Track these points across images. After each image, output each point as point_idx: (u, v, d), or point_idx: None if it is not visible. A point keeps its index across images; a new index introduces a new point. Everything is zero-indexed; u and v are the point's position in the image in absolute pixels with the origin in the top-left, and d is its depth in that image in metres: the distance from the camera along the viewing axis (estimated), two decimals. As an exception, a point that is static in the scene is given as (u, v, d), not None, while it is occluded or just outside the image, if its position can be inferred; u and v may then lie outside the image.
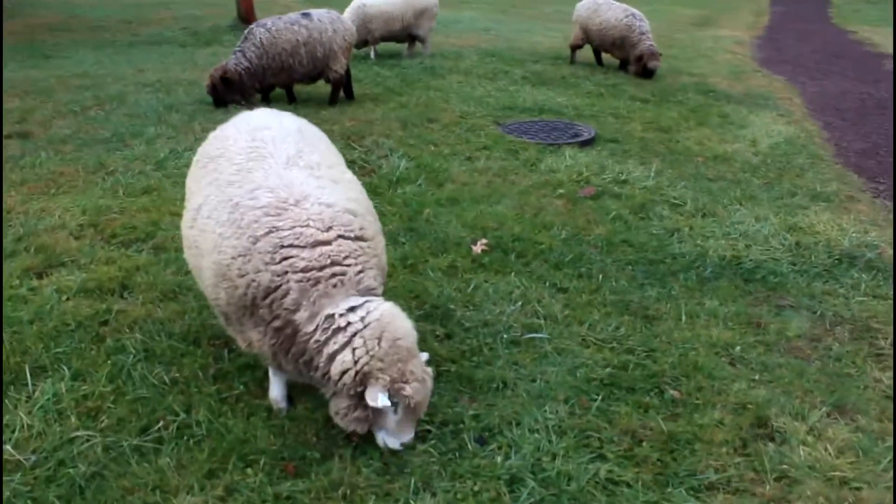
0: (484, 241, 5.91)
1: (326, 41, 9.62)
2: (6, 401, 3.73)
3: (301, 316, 3.29)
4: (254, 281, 3.32)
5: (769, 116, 10.89)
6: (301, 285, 3.28)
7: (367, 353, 3.23)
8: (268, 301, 3.32)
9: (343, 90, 10.08)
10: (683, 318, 4.97)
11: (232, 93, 9.36)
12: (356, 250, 3.43)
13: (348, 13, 12.41)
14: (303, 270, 3.29)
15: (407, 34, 13.39)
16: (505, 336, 4.60)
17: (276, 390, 3.84)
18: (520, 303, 5.00)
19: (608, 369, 4.32)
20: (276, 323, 3.34)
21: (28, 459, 3.34)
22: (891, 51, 18.25)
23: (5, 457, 3.35)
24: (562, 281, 5.40)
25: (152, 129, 7.96)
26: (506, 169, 7.89)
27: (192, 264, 3.80)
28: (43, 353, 4.09)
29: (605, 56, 13.74)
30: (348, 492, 3.28)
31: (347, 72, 9.99)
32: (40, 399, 3.71)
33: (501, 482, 3.40)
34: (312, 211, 3.43)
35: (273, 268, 3.29)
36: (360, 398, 3.28)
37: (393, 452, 3.51)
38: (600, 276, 5.50)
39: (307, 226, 3.38)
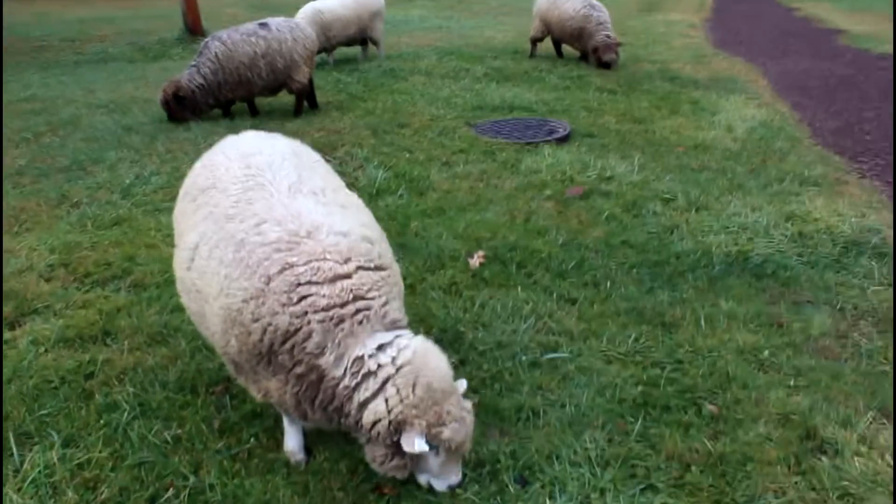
0: (481, 253, 5.62)
1: (287, 51, 9.22)
2: (-9, 478, 3.33)
3: (327, 360, 2.95)
4: (270, 325, 2.96)
5: (739, 100, 10.79)
6: (324, 325, 2.93)
7: (401, 401, 2.90)
8: (288, 346, 2.96)
9: (306, 99, 9.69)
10: (703, 323, 4.74)
11: (184, 109, 8.93)
12: (378, 281, 3.09)
13: (303, 21, 11.98)
14: (324, 309, 2.94)
15: (362, 37, 13.03)
16: (523, 358, 4.32)
17: (292, 441, 3.51)
18: (531, 319, 4.73)
19: (639, 387, 4.07)
20: (299, 369, 2.98)
21: (25, 548, 2.96)
22: (839, 26, 18.43)
23: (-1, 548, 2.97)
24: (569, 291, 5.14)
25: (112, 153, 7.49)
26: (486, 172, 7.61)
27: (192, 309, 3.42)
28: (26, 417, 3.69)
29: (564, 47, 13.54)
30: (392, 555, 2.97)
31: (310, 80, 9.61)
32: (30, 472, 3.31)
33: (553, 528, 3.12)
34: (328, 242, 3.08)
35: (291, 309, 2.94)
36: (396, 446, 2.96)
37: (427, 502, 3.20)
38: (608, 283, 5.26)
39: (324, 259, 3.02)
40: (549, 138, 8.74)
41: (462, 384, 3.15)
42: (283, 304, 2.94)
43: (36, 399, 3.83)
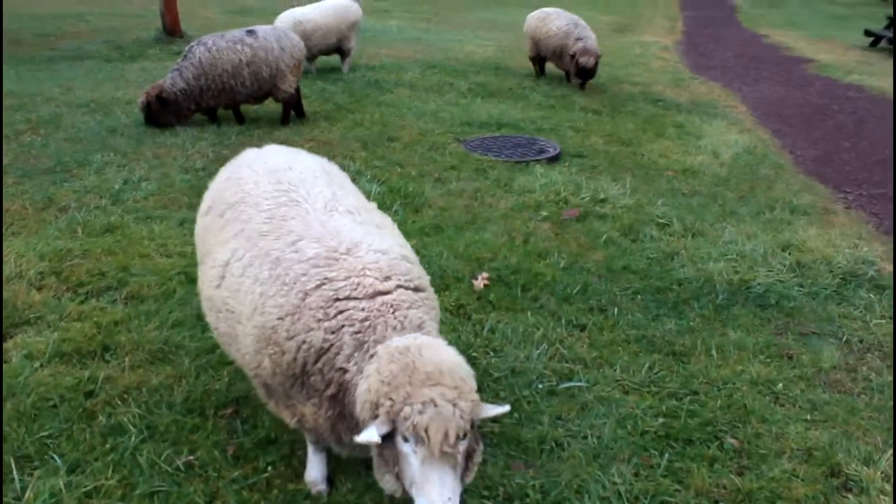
0: (485, 275, 5.53)
1: (273, 60, 9.04)
2: (-7, 505, 3.12)
3: (352, 371, 2.76)
4: (304, 342, 2.81)
5: (722, 125, 10.89)
6: (356, 338, 2.77)
7: (379, 378, 2.60)
8: (320, 364, 2.81)
9: (293, 108, 9.51)
10: (714, 353, 4.71)
11: (167, 114, 8.71)
12: (417, 301, 2.95)
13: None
14: (361, 321, 2.79)
15: (339, 47, 12.84)
16: (540, 386, 4.23)
17: (315, 471, 3.36)
18: (544, 345, 4.64)
19: (659, 419, 4.00)
20: (331, 390, 2.82)
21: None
22: (807, 55, 18.79)
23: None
24: (577, 317, 5.07)
25: (98, 155, 7.24)
26: (480, 190, 7.52)
27: (220, 330, 3.26)
28: (26, 439, 3.48)
29: (547, 66, 13.56)
30: None
31: (297, 90, 9.44)
32: (35, 501, 3.11)
33: (590, 568, 3.03)
34: (368, 259, 2.96)
35: (326, 324, 2.80)
36: (379, 447, 2.67)
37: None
38: (615, 310, 5.20)
39: (364, 275, 2.89)
40: (539, 157, 8.69)
41: (504, 408, 2.77)
42: (319, 320, 2.80)
43: (35, 419, 3.62)
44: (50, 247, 5.27)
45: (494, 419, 3.90)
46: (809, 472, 3.68)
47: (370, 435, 2.49)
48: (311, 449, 3.35)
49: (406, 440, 2.51)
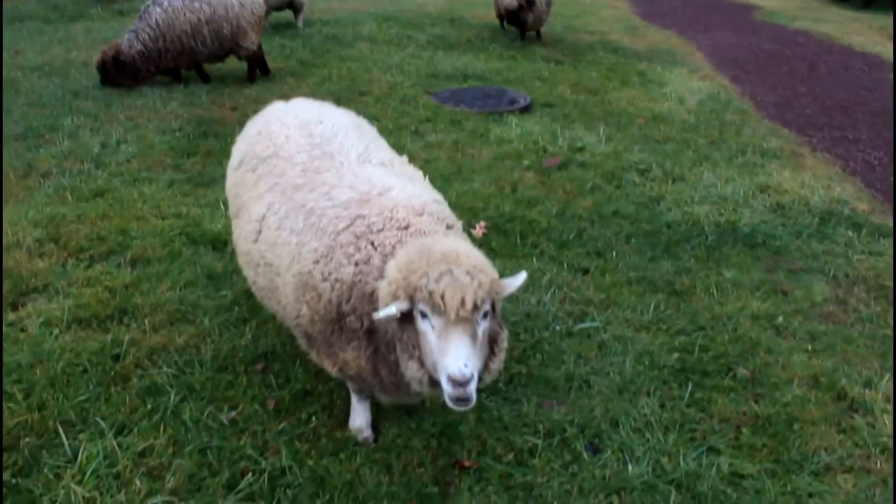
0: (483, 223, 5.61)
1: (233, 17, 8.84)
2: (45, 470, 3.11)
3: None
4: (337, 281, 2.83)
5: (683, 73, 11.08)
6: (385, 259, 2.76)
7: (397, 267, 2.59)
8: (353, 301, 2.82)
9: (258, 66, 9.34)
10: (714, 291, 4.89)
11: (124, 76, 8.48)
12: (448, 235, 2.94)
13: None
14: (393, 245, 2.80)
15: (290, 1, 12.58)
16: (557, 328, 4.36)
17: (360, 419, 3.42)
18: (552, 289, 4.76)
19: (674, 354, 4.17)
20: (366, 325, 2.82)
21: (110, 542, 2.79)
22: (752, 1, 19.13)
23: (82, 542, 2.79)
24: (578, 261, 5.20)
25: (68, 119, 7.04)
26: (459, 142, 7.57)
27: (259, 284, 3.28)
28: (65, 404, 3.45)
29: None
30: (491, 529, 2.95)
31: (259, 46, 9.26)
32: (89, 463, 3.11)
33: (636, 493, 3.18)
34: (400, 198, 2.98)
35: (357, 257, 2.82)
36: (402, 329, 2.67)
37: (508, 476, 3.20)
38: (613, 254, 5.34)
39: (396, 211, 2.91)
40: (511, 108, 8.75)
41: (521, 276, 2.80)
42: (349, 255, 2.83)
43: (68, 384, 3.60)
44: (42, 213, 5.15)
45: (519, 360, 4.03)
46: (819, 396, 3.89)
47: (388, 310, 2.51)
48: (354, 398, 3.41)
49: (424, 316, 2.52)
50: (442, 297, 2.46)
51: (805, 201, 6.36)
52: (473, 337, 2.50)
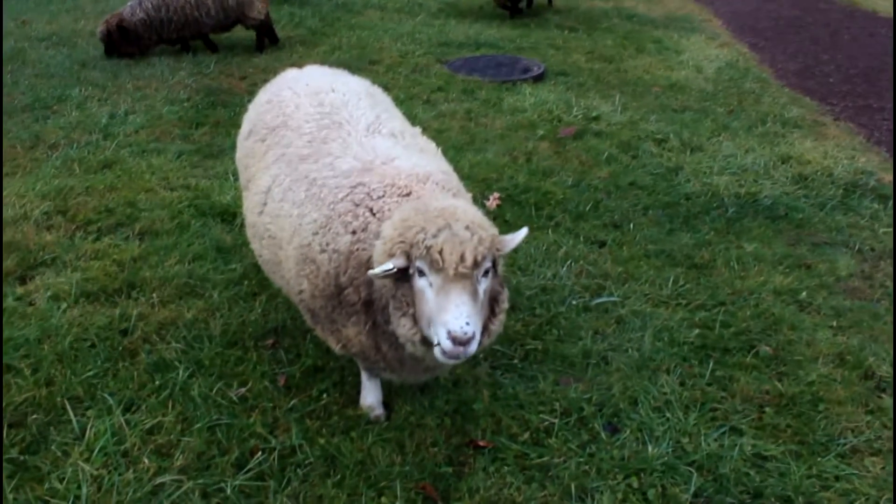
0: (496, 195, 5.49)
1: (237, -12, 8.66)
2: (53, 447, 3.05)
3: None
4: (335, 252, 2.73)
5: (700, 40, 10.84)
6: (382, 223, 2.64)
7: (393, 226, 2.51)
8: (351, 272, 2.71)
9: (266, 35, 9.19)
10: (735, 265, 4.76)
11: (128, 44, 8.35)
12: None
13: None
14: (389, 211, 2.69)
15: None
16: (574, 302, 4.25)
17: (371, 397, 3.34)
18: (569, 262, 4.65)
19: (694, 330, 4.06)
20: (363, 296, 2.72)
21: (117, 522, 2.73)
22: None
23: (88, 523, 2.73)
24: (594, 234, 5.09)
25: (76, 90, 6.94)
26: (472, 111, 7.43)
27: (264, 257, 3.20)
28: (72, 380, 3.39)
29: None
30: (508, 510, 2.87)
31: (267, 15, 9.09)
32: (97, 441, 3.05)
33: (655, 474, 3.09)
34: (405, 167, 2.87)
35: (355, 224, 2.72)
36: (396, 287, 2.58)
37: (523, 455, 3.12)
38: (630, 226, 5.22)
39: (399, 178, 2.80)
40: (525, 76, 8.58)
41: (522, 231, 2.67)
42: (347, 223, 2.74)
43: (76, 360, 3.53)
44: (49, 185, 5.07)
45: (534, 336, 3.93)
46: (845, 375, 3.78)
47: (384, 266, 2.43)
48: (364, 375, 3.32)
49: (422, 273, 2.44)
50: (440, 252, 2.37)
51: (828, 172, 6.19)
52: (474, 295, 2.41)
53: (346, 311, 2.81)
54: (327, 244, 2.76)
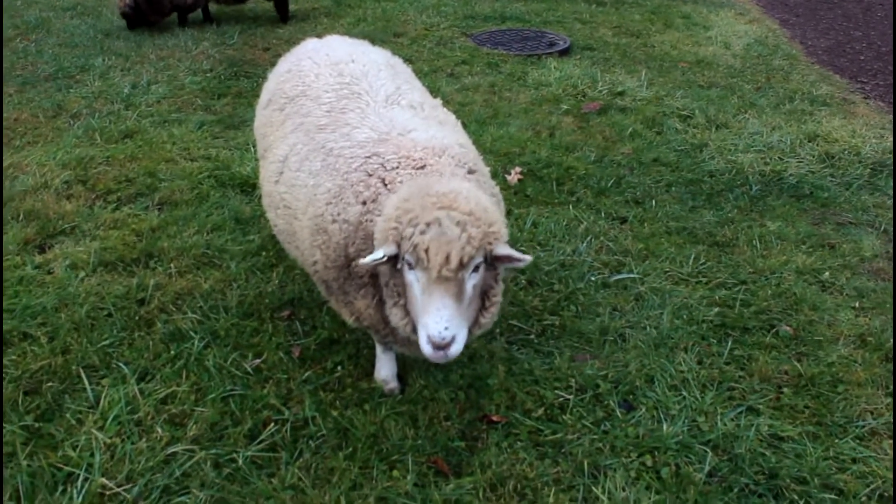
0: (518, 169, 5.44)
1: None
2: (67, 415, 3.07)
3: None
4: (345, 222, 2.71)
5: (729, 16, 10.62)
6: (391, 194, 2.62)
7: (395, 204, 2.49)
8: (358, 243, 2.70)
9: (280, 6, 9.09)
10: (757, 243, 4.68)
11: (156, 13, 8.29)
12: (469, 180, 2.77)
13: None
14: (400, 183, 2.66)
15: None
16: (593, 279, 4.21)
17: (385, 370, 3.33)
18: (589, 238, 4.61)
19: (714, 309, 4.01)
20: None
21: (130, 491, 2.75)
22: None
23: (102, 491, 2.74)
24: (616, 210, 5.02)
25: (99, 59, 6.95)
26: (496, 85, 7.35)
27: (279, 227, 3.19)
28: (88, 348, 3.41)
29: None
30: (519, 485, 2.86)
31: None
32: (111, 409, 3.07)
33: (670, 453, 3.06)
34: (421, 139, 2.84)
35: (366, 195, 2.69)
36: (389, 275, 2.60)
37: (537, 431, 3.10)
38: (653, 203, 5.15)
39: (414, 150, 2.77)
40: (550, 51, 8.47)
41: (525, 258, 2.51)
42: (359, 193, 2.72)
43: (92, 329, 3.55)
44: (70, 155, 5.09)
45: (552, 311, 3.90)
46: (865, 357, 3.71)
47: (375, 255, 2.41)
48: (379, 348, 3.31)
49: (410, 266, 2.41)
50: (427, 251, 2.33)
51: (856, 151, 6.06)
52: (458, 295, 2.38)
53: (356, 283, 2.81)
54: (338, 214, 2.75)
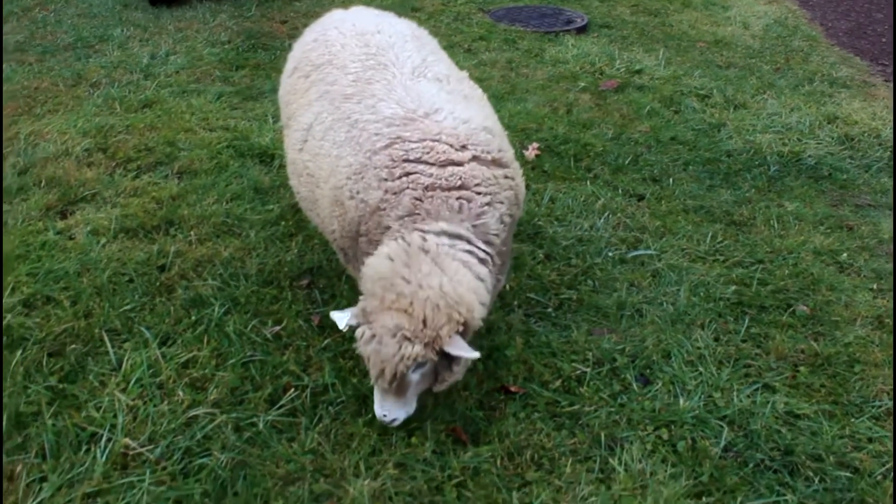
0: (535, 145, 5.44)
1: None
2: (90, 377, 3.11)
3: (393, 230, 2.74)
4: (363, 201, 2.78)
5: (749, -4, 10.53)
6: (414, 203, 2.72)
7: (368, 274, 2.67)
8: (372, 223, 2.79)
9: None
10: (774, 223, 4.67)
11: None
12: (489, 179, 2.84)
13: None
14: (425, 188, 2.73)
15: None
16: (610, 254, 4.22)
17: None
18: (606, 214, 4.61)
19: (731, 287, 4.01)
20: (373, 249, 2.79)
21: (152, 451, 2.79)
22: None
23: (125, 451, 2.79)
24: (633, 187, 5.02)
25: (118, 30, 6.96)
26: (513, 61, 7.33)
27: (301, 194, 3.23)
28: (111, 313, 3.45)
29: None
30: (536, 455, 2.90)
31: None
32: (133, 372, 3.11)
33: (686, 427, 3.08)
34: (446, 124, 2.86)
35: (388, 185, 2.74)
36: None
37: (554, 403, 3.14)
38: (670, 180, 5.14)
39: (439, 140, 2.80)
40: (568, 28, 8.43)
41: (473, 354, 2.62)
42: (382, 180, 2.76)
43: (114, 293, 3.59)
44: (91, 123, 5.11)
45: (570, 286, 3.91)
46: (883, 338, 3.71)
47: (339, 319, 2.67)
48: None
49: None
50: (367, 360, 2.59)
51: (875, 133, 6.02)
52: (399, 390, 2.63)
53: (364, 256, 2.86)
54: (357, 192, 2.80)
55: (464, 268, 2.63)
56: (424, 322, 2.50)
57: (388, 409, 2.67)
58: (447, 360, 2.64)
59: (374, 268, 2.63)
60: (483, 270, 2.71)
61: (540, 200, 4.70)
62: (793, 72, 7.56)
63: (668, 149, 5.66)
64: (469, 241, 2.72)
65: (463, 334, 2.60)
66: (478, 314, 2.63)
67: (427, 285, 2.54)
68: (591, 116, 6.10)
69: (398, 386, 2.59)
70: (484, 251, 2.75)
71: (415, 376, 2.61)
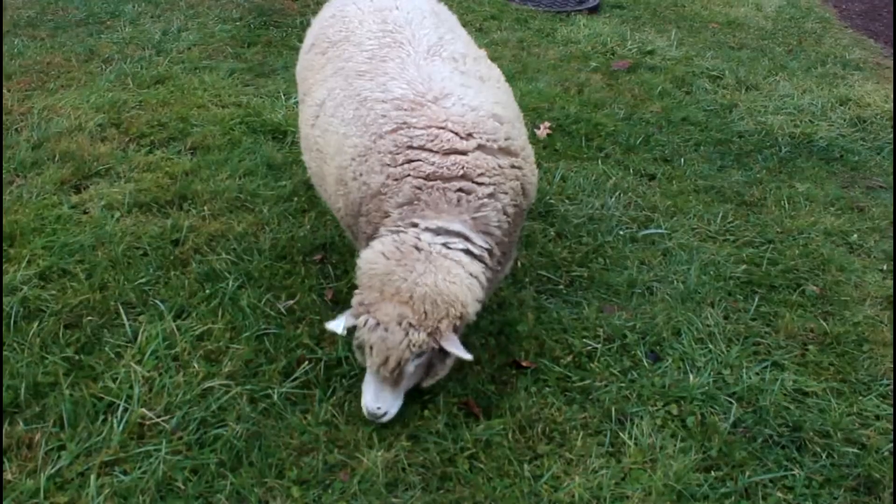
0: (547, 124, 5.44)
1: None
2: (106, 349, 3.15)
3: (392, 217, 2.78)
4: (365, 184, 2.81)
5: (761, -23, 10.45)
6: (415, 192, 2.74)
7: (363, 271, 2.72)
8: (372, 206, 2.83)
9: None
10: (785, 204, 4.69)
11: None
12: (493, 168, 2.82)
13: None
14: (426, 178, 2.74)
15: None
16: (621, 233, 4.24)
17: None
18: (617, 193, 4.62)
19: (741, 266, 4.03)
20: (370, 231, 2.85)
21: (168, 422, 2.83)
22: None
23: (141, 421, 2.83)
24: (644, 167, 5.03)
25: (130, 6, 6.94)
26: (524, 41, 7.31)
27: (312, 169, 3.28)
28: (126, 286, 3.48)
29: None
30: (548, 428, 2.93)
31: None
32: (148, 344, 3.14)
33: (695, 403, 3.11)
34: (453, 111, 2.85)
35: (391, 170, 2.76)
36: None
37: (565, 378, 3.17)
38: (681, 161, 5.15)
39: (444, 128, 2.81)
40: (579, 8, 8.40)
41: (466, 356, 2.69)
42: (385, 164, 2.77)
43: (129, 267, 3.62)
44: (104, 98, 5.12)
45: (581, 263, 3.93)
46: (892, 318, 3.73)
47: (336, 326, 2.69)
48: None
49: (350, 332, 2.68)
50: (370, 348, 2.60)
51: (888, 115, 6.01)
52: (395, 381, 2.69)
53: (364, 236, 2.91)
54: (360, 174, 2.83)
55: (457, 266, 2.66)
56: (425, 313, 2.57)
57: (384, 402, 2.71)
58: (442, 352, 2.70)
59: (369, 263, 2.67)
60: (478, 267, 2.73)
61: (551, 179, 4.71)
62: (805, 53, 7.54)
63: (679, 129, 5.66)
64: (466, 238, 2.73)
65: (456, 328, 2.67)
66: (472, 310, 2.69)
67: (423, 283, 2.59)
68: (603, 96, 6.09)
69: (397, 376, 2.65)
70: (481, 245, 2.76)
71: (412, 367, 2.66)
